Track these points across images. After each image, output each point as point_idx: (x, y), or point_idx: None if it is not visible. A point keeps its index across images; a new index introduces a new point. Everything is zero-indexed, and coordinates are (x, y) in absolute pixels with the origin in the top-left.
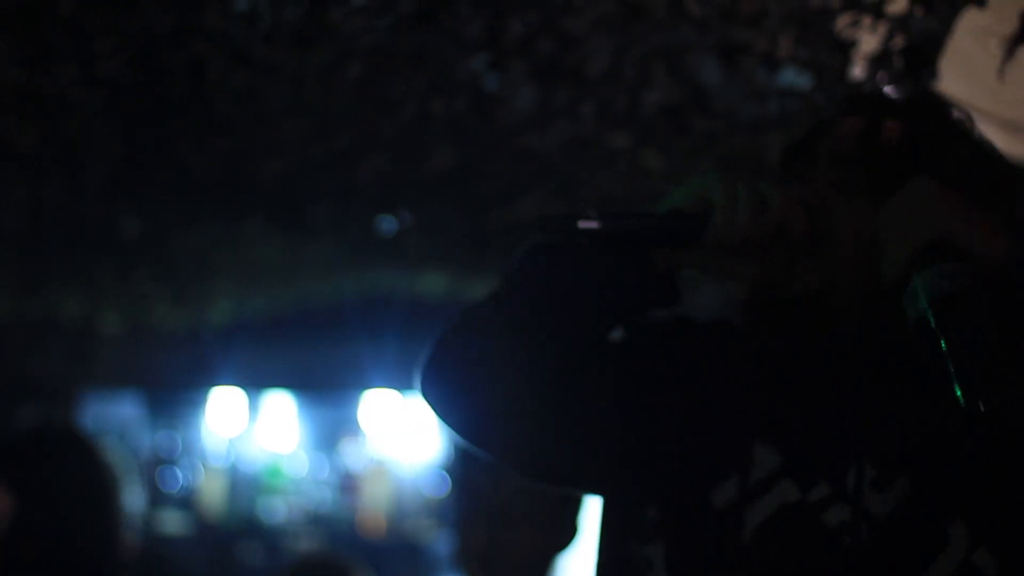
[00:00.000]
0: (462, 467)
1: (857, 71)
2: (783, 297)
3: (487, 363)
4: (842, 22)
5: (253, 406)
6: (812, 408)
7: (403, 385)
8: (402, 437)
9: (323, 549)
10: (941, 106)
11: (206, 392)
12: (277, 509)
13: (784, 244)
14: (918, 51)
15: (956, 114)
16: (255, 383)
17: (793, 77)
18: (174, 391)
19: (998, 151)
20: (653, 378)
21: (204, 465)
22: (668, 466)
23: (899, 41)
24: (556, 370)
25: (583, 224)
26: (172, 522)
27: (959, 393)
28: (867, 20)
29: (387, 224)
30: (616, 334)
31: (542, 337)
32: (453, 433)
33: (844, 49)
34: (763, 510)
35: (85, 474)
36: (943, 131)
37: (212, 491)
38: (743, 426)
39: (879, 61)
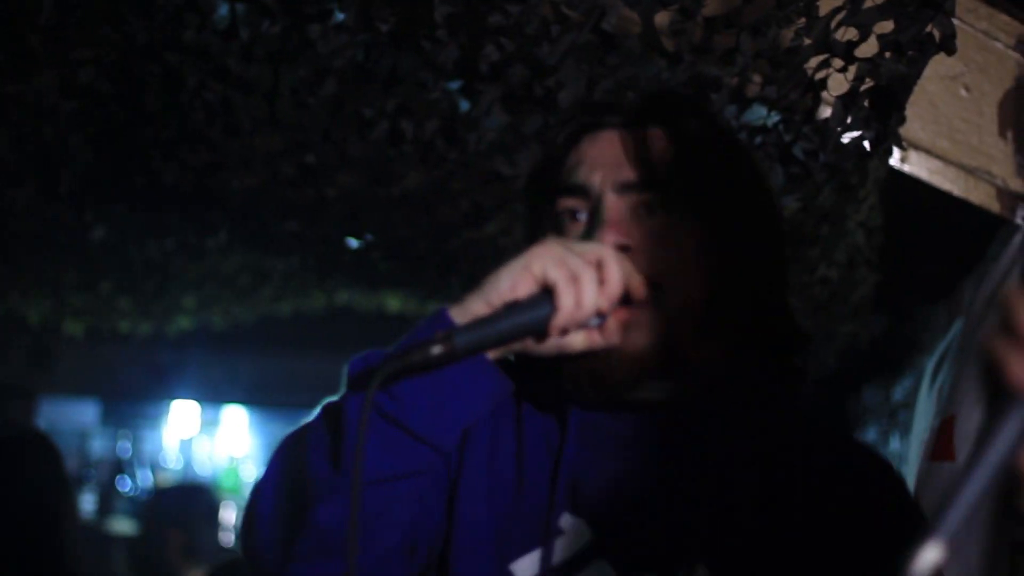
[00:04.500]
0: None
1: (826, 111)
2: (609, 360)
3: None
4: (812, 62)
5: (209, 418)
6: (630, 487)
7: None
8: None
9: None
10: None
11: (163, 401)
12: (231, 512)
13: (627, 308)
14: (886, 94)
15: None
16: (212, 397)
17: (762, 114)
18: (131, 400)
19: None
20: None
21: (159, 469)
22: (469, 537)
23: (868, 83)
24: None
25: (436, 350)
26: (125, 526)
27: None
28: (837, 62)
29: (352, 242)
30: None
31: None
32: None
33: (814, 89)
34: None
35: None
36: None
37: None
38: (551, 497)
39: (847, 102)
